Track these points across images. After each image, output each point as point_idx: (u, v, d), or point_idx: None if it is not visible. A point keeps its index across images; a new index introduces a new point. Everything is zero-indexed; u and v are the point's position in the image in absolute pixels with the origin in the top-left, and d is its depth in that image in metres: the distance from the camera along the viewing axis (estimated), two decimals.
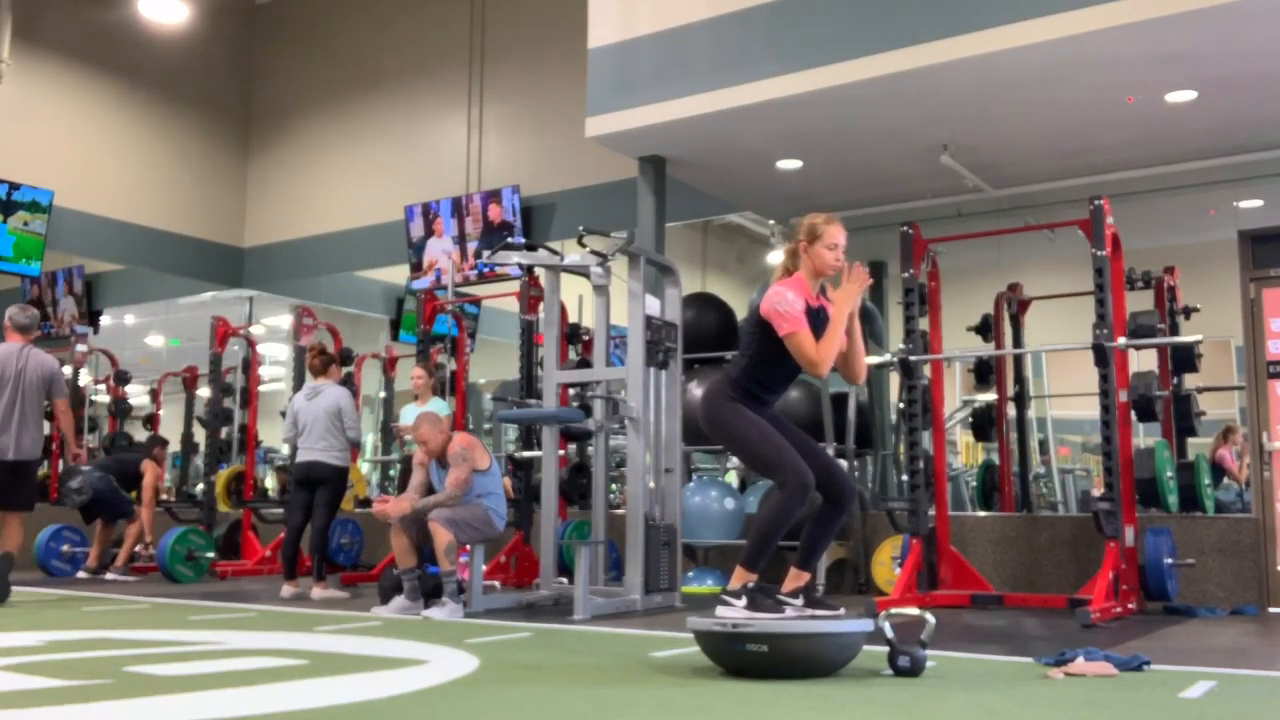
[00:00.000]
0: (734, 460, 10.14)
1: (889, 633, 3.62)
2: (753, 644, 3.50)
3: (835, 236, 4.01)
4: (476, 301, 9.97)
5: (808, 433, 4.14)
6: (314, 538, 7.14)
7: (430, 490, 6.11)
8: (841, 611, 3.84)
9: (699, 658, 3.81)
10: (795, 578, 3.91)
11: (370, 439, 11.36)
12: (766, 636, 3.51)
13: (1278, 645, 4.75)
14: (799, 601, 3.82)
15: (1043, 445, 9.23)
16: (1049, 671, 3.68)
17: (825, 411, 7.24)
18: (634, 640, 4.67)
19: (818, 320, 4.00)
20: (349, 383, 9.22)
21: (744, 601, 3.75)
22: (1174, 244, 9.58)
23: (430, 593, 5.91)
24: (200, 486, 10.04)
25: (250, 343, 9.97)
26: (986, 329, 7.63)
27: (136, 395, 12.28)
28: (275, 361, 13.01)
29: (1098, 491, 6.16)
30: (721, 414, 4.00)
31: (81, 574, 8.78)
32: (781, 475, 3.84)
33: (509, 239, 8.66)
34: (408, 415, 7.78)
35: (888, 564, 6.83)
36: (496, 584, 7.22)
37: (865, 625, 3.65)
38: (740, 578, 3.84)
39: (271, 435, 11.75)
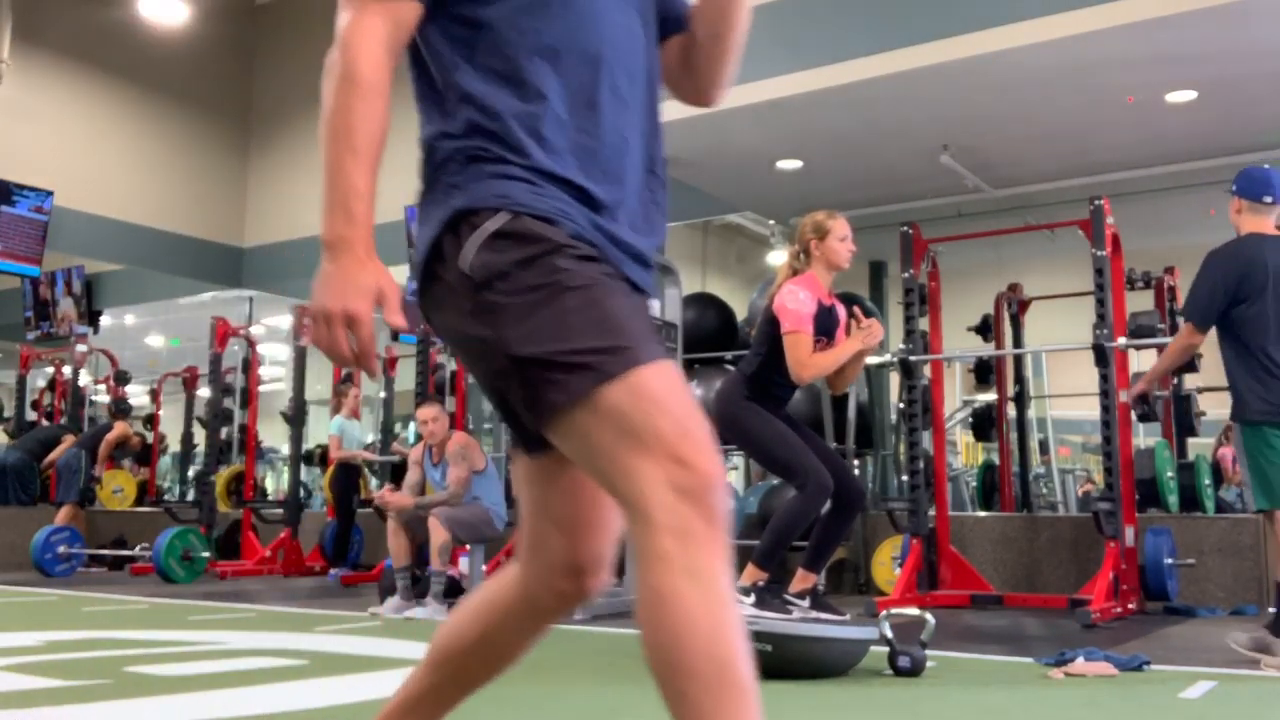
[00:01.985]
0: (734, 460, 10.14)
1: (889, 633, 3.62)
2: (757, 643, 3.49)
3: (843, 229, 4.09)
4: None
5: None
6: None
7: (423, 488, 6.14)
8: (847, 616, 3.84)
9: None
10: (802, 579, 3.91)
11: (370, 439, 11.36)
12: (771, 636, 3.50)
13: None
14: (805, 603, 3.83)
15: (1043, 445, 9.23)
16: (1049, 671, 3.68)
17: (825, 411, 7.24)
18: (634, 640, 4.65)
19: (829, 318, 4.02)
20: (350, 380, 9.24)
21: (751, 599, 3.75)
22: (1174, 244, 9.58)
23: (423, 592, 5.93)
24: (178, 490, 10.18)
25: (250, 343, 9.96)
26: (986, 329, 7.63)
27: (136, 395, 12.28)
28: (275, 361, 13.00)
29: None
30: (736, 414, 4.00)
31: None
32: (801, 478, 3.85)
33: None
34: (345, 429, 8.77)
35: (888, 564, 6.83)
36: None
37: (870, 631, 3.64)
38: (750, 575, 3.85)
39: (272, 435, 11.75)
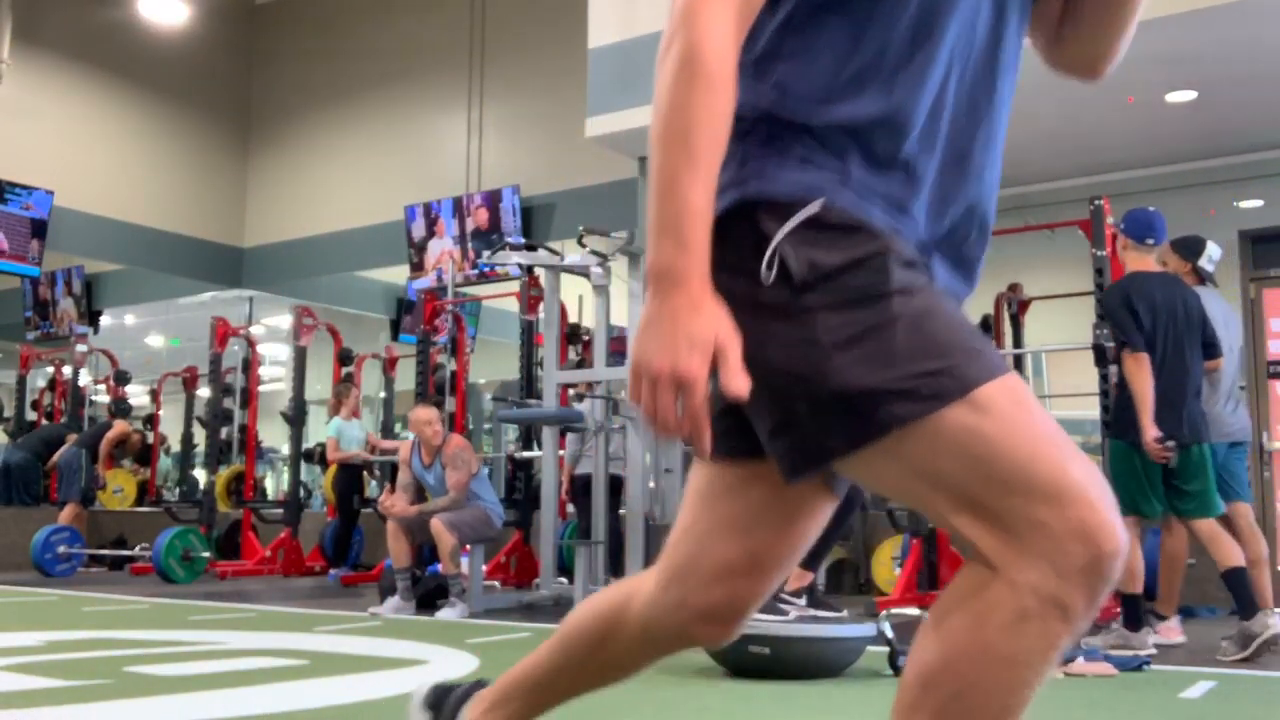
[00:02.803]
0: None
1: (889, 633, 3.62)
2: (755, 645, 3.50)
3: None
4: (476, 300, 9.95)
5: None
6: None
7: (417, 487, 6.15)
8: (844, 614, 3.84)
9: (700, 658, 3.81)
10: (799, 577, 3.91)
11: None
12: (769, 639, 3.50)
13: (1277, 646, 4.74)
14: (802, 601, 3.83)
15: None
16: None
17: None
18: None
19: None
20: (349, 381, 9.25)
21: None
22: None
23: (434, 593, 5.94)
24: (178, 490, 10.20)
25: (250, 343, 9.97)
26: (986, 329, 7.62)
27: (136, 395, 12.29)
28: (275, 361, 13.00)
29: None
30: None
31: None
32: None
33: (509, 239, 8.67)
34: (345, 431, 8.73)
35: (888, 564, 6.82)
36: (496, 584, 7.22)
37: (867, 629, 3.65)
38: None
39: (272, 435, 11.75)
